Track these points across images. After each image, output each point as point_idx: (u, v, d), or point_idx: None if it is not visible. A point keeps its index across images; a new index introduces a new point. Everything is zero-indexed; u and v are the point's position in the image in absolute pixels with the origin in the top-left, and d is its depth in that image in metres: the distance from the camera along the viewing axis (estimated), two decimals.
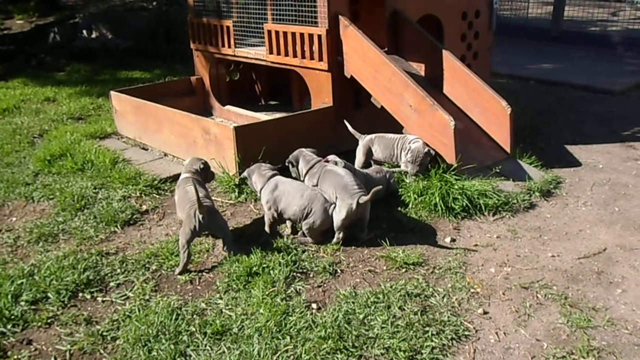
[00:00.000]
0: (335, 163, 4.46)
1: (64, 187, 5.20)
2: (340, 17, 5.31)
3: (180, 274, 3.88)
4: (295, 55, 5.72)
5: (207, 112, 7.14)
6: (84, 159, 5.75)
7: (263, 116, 6.54)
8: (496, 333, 3.22)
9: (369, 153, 5.09)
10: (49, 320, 3.47)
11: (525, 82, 9.32)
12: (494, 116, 5.28)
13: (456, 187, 4.56)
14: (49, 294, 3.67)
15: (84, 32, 11.54)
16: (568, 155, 5.78)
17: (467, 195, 4.53)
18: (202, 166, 4.38)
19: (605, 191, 4.97)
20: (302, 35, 5.55)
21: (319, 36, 5.38)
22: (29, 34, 11.80)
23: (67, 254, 4.13)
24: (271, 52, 5.95)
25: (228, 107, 6.98)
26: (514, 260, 3.94)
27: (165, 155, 5.99)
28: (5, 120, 7.40)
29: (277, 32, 5.79)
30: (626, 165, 5.53)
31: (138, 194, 5.09)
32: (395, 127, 5.23)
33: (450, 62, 5.52)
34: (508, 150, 5.23)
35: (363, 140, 5.12)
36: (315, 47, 5.45)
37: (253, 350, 3.09)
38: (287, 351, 3.07)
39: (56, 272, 3.87)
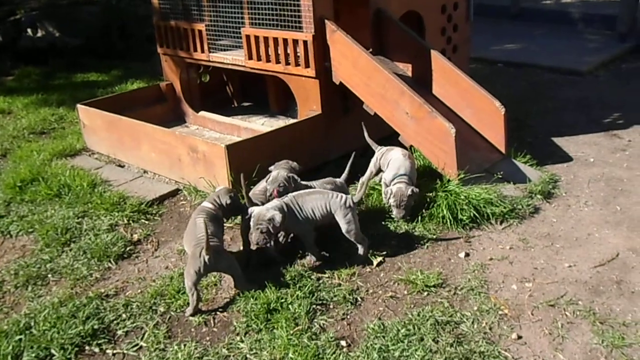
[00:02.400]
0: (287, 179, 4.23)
1: (43, 218, 4.84)
2: (326, 21, 5.08)
3: (192, 315, 3.66)
4: (278, 62, 5.46)
5: (179, 119, 6.82)
6: (59, 183, 5.36)
7: (241, 123, 6.29)
8: None
9: (379, 166, 4.84)
10: None
11: (493, 66, 9.32)
12: (487, 117, 5.20)
13: (462, 197, 4.47)
14: (52, 351, 3.39)
15: (29, 30, 10.83)
16: (557, 149, 5.78)
17: (473, 205, 4.44)
18: (228, 201, 4.10)
19: (603, 188, 4.99)
20: (285, 40, 5.29)
21: (305, 42, 5.14)
22: None
23: (62, 299, 3.83)
24: (250, 58, 5.66)
25: (202, 113, 6.67)
26: (532, 274, 3.88)
27: (145, 172, 5.67)
28: None
29: (257, 37, 5.51)
30: (615, 157, 5.57)
31: (126, 221, 4.78)
32: (386, 130, 5.09)
33: (439, 62, 5.39)
34: (503, 151, 5.17)
35: (378, 152, 4.87)
36: (301, 53, 5.21)
37: None
38: None
39: (56, 323, 3.58)
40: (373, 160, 4.85)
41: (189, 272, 3.63)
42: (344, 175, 4.57)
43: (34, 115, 7.46)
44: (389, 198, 4.36)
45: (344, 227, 4.00)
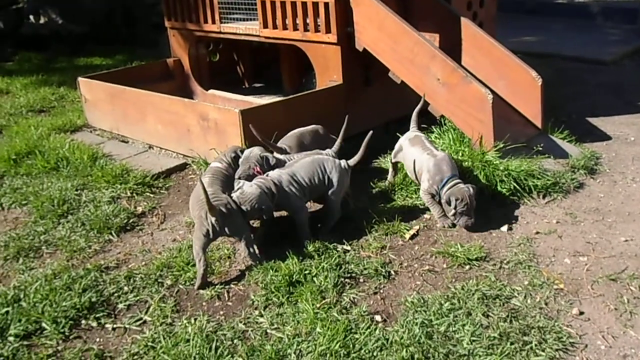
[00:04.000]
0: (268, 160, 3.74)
1: (39, 190, 4.43)
2: None
3: (200, 287, 3.23)
4: (295, 29, 5.06)
5: (187, 97, 6.34)
6: (57, 156, 4.95)
7: (254, 99, 5.88)
8: (603, 337, 2.72)
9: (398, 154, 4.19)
10: (49, 359, 2.77)
11: None
12: (522, 88, 4.79)
13: (501, 168, 4.04)
14: (43, 324, 2.97)
15: (31, 17, 10.46)
16: (594, 128, 5.37)
17: (513, 177, 4.02)
18: (233, 155, 3.69)
19: None
20: (304, 4, 4.89)
21: (326, 4, 4.74)
22: None
23: (57, 271, 3.41)
24: (266, 26, 5.27)
25: (212, 91, 6.27)
26: (586, 248, 3.45)
27: (151, 147, 5.25)
28: None
29: (273, 3, 5.11)
30: None
31: (129, 194, 4.37)
32: (411, 104, 4.67)
33: (470, 30, 4.99)
34: (539, 125, 4.75)
35: (407, 134, 4.17)
36: (322, 18, 4.81)
37: None
38: None
39: (48, 295, 3.16)
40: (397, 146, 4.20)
41: (197, 236, 3.24)
42: (335, 146, 3.98)
43: (33, 94, 7.07)
44: (455, 206, 3.57)
45: (334, 187, 3.61)
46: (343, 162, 3.69)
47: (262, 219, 3.57)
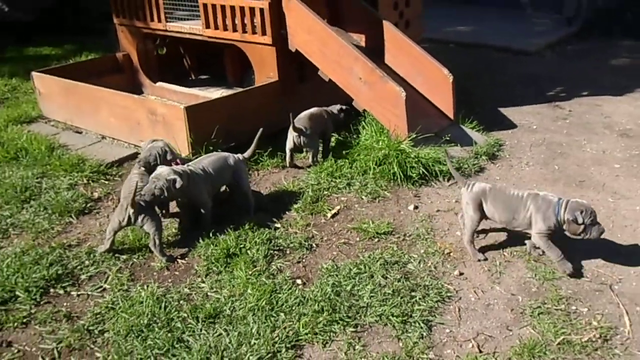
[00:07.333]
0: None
1: (1, 179, 4.88)
2: None
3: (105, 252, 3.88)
4: (235, 30, 5.61)
5: (137, 89, 6.86)
6: (16, 147, 5.39)
7: (199, 92, 6.40)
8: (474, 291, 3.44)
9: (481, 209, 3.75)
10: (25, 320, 3.31)
11: (445, 46, 9.61)
12: (436, 84, 5.47)
13: (412, 156, 4.72)
14: (17, 293, 3.50)
15: None
16: (503, 117, 6.12)
17: (422, 164, 4.71)
18: (160, 152, 4.15)
19: (543, 151, 5.33)
20: (242, 8, 5.44)
21: (261, 9, 5.30)
22: None
23: (25, 249, 3.92)
24: (208, 27, 5.79)
25: (160, 84, 6.75)
26: None
27: (104, 138, 5.73)
28: None
29: (214, 6, 5.63)
30: (557, 125, 5.94)
31: (85, 181, 4.87)
32: (340, 99, 5.32)
33: (391, 32, 5.63)
34: (452, 117, 5.46)
35: (470, 191, 3.76)
36: (258, 21, 5.37)
37: (251, 329, 3.12)
38: (285, 328, 3.13)
39: (19, 269, 3.68)
40: (470, 203, 3.73)
41: (113, 219, 3.82)
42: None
43: None
44: (583, 220, 3.42)
45: (242, 178, 4.28)
46: (240, 156, 4.35)
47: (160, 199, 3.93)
